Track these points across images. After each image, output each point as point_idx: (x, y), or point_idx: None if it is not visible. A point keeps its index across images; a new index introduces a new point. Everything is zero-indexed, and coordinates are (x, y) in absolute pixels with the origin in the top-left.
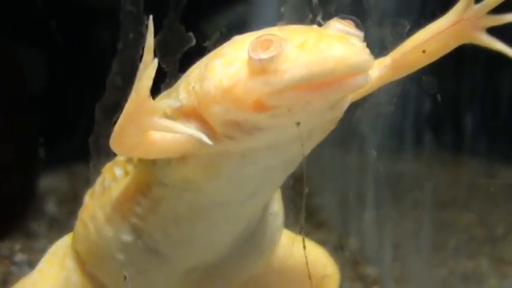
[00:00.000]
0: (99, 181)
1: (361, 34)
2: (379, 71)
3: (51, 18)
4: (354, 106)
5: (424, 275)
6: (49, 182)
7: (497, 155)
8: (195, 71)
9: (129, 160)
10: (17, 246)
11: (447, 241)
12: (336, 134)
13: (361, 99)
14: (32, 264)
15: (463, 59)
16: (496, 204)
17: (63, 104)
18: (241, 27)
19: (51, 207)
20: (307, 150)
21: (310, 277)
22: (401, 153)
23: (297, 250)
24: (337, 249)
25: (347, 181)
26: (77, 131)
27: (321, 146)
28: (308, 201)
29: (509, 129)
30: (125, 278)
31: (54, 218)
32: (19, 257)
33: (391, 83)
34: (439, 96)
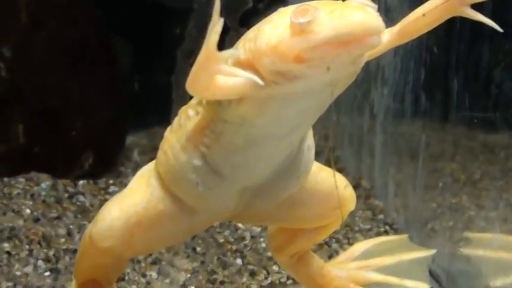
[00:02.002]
0: (176, 120)
1: (375, 6)
2: (390, 36)
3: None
4: (365, 80)
5: (418, 207)
6: (133, 139)
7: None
8: (250, 33)
9: (199, 103)
10: (111, 182)
11: (436, 183)
12: (352, 102)
13: (372, 72)
14: None
15: (451, 36)
16: (475, 156)
17: (144, 81)
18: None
19: (135, 156)
20: (334, 96)
21: (338, 192)
22: (402, 116)
23: (325, 176)
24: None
25: (360, 138)
26: (154, 103)
27: (340, 112)
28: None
29: (487, 96)
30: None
31: (137, 164)
32: (112, 189)
33: (395, 58)
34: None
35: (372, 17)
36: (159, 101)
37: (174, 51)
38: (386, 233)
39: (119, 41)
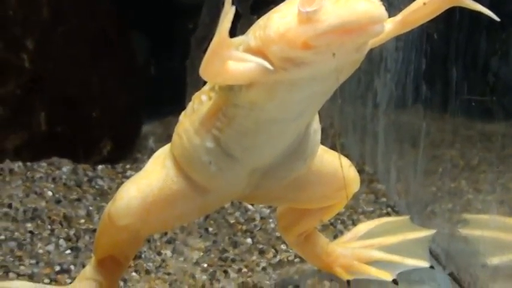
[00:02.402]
0: (190, 105)
1: None
2: (393, 24)
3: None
4: (369, 71)
5: (419, 191)
6: (149, 128)
7: (474, 106)
8: (260, 21)
9: (212, 88)
10: (128, 166)
11: (436, 168)
12: (356, 91)
13: (376, 62)
14: None
15: (450, 26)
16: (473, 144)
17: (159, 73)
18: None
19: (150, 143)
20: (340, 82)
21: (343, 172)
22: (403, 104)
23: (330, 158)
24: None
25: (364, 126)
26: (168, 94)
27: (345, 101)
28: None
29: (484, 84)
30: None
31: (152, 151)
32: (129, 173)
33: (397, 49)
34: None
35: (375, 6)
36: (173, 92)
37: (186, 44)
38: (388, 214)
39: (135, 35)
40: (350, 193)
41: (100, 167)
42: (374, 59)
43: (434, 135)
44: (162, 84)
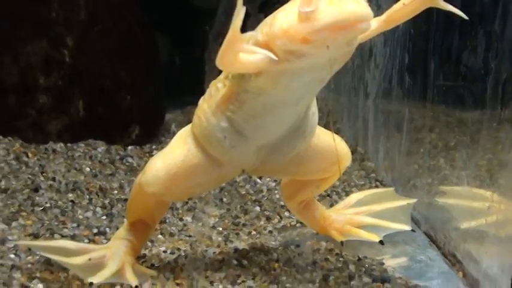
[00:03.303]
0: (208, 91)
1: None
2: (378, 22)
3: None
4: (360, 65)
5: (403, 168)
6: (171, 115)
7: (451, 94)
8: (267, 20)
9: (226, 77)
10: (153, 147)
11: (418, 149)
12: (350, 84)
13: (366, 57)
14: None
15: (429, 25)
16: (451, 129)
17: (179, 68)
18: None
19: (172, 128)
20: (333, 71)
21: (336, 151)
22: (390, 94)
23: (326, 137)
24: (351, 153)
25: (356, 114)
26: (188, 86)
27: (340, 93)
28: (329, 126)
29: (457, 74)
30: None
31: (174, 134)
32: (154, 152)
33: (385, 45)
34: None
35: (363, 7)
36: (192, 85)
37: (202, 43)
38: (376, 187)
39: (159, 35)
40: (343, 166)
41: (130, 147)
42: (365, 55)
43: (416, 121)
44: (182, 78)
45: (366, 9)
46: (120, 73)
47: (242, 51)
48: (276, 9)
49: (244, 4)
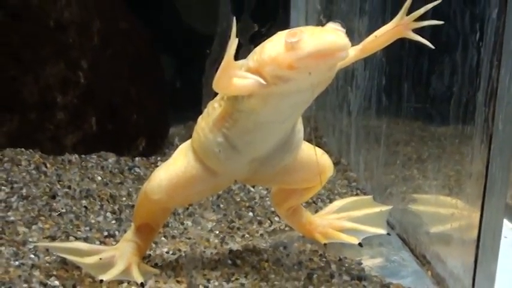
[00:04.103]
0: (205, 110)
1: (343, 29)
2: (355, 51)
3: (176, 37)
4: (344, 86)
5: (381, 178)
6: (175, 130)
7: (423, 111)
8: (257, 49)
9: (222, 98)
10: (158, 158)
11: (395, 161)
12: (335, 102)
13: (349, 80)
14: None
15: (402, 53)
16: (425, 143)
17: (182, 87)
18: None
19: (176, 141)
20: (316, 94)
21: (318, 164)
22: (370, 112)
23: (311, 151)
24: (335, 164)
25: (340, 129)
26: (190, 104)
27: (326, 110)
28: (317, 140)
29: (426, 96)
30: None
31: (177, 147)
32: (159, 163)
33: (365, 70)
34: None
35: (341, 38)
36: (194, 102)
37: (204, 64)
38: (357, 195)
39: (164, 57)
40: (326, 177)
41: (137, 158)
42: (348, 77)
43: (393, 136)
44: (184, 96)
45: (344, 40)
46: (128, 92)
47: (235, 76)
48: (264, 40)
49: (236, 36)
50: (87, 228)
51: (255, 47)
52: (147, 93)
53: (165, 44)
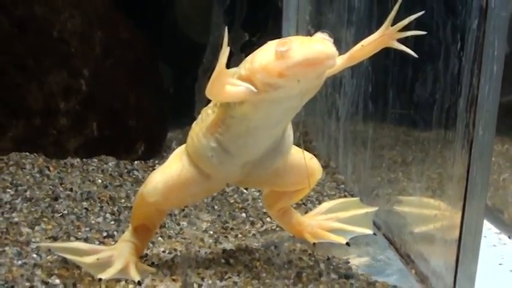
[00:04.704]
0: (199, 116)
1: (331, 39)
2: (342, 60)
3: (173, 46)
4: (333, 93)
5: (368, 180)
6: (172, 134)
7: (407, 117)
8: (248, 58)
9: (215, 105)
10: (156, 162)
11: (380, 164)
12: (323, 108)
13: (337, 87)
14: None
15: (388, 61)
16: (409, 147)
17: (179, 94)
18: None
19: (173, 145)
20: (304, 101)
21: (306, 167)
22: (357, 118)
23: (300, 155)
24: (324, 167)
25: (329, 134)
26: (187, 110)
27: (315, 115)
28: (307, 144)
29: (410, 102)
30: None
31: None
32: (157, 167)
33: (352, 77)
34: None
35: (329, 47)
36: (190, 109)
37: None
38: (345, 197)
39: (162, 65)
40: (314, 180)
41: (136, 162)
42: (336, 85)
43: (379, 140)
44: (181, 102)
45: (332, 49)
46: (128, 98)
47: (228, 83)
48: (255, 49)
49: (228, 45)
50: (88, 229)
51: (246, 56)
52: (146, 100)
53: (163, 53)
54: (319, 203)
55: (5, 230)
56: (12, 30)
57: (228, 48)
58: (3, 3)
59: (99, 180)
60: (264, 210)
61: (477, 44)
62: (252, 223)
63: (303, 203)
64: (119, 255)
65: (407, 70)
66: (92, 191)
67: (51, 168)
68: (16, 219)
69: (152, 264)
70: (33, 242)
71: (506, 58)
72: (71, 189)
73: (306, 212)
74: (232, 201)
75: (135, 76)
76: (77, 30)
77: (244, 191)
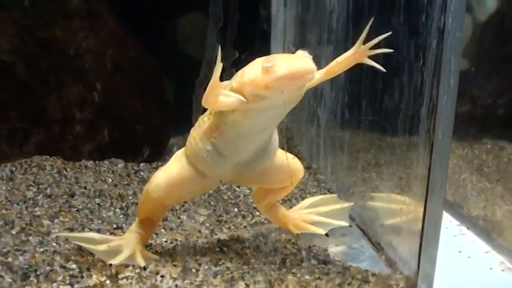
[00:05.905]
0: (197, 123)
1: (311, 56)
2: (320, 74)
3: (175, 63)
4: (314, 104)
5: (345, 180)
6: (174, 140)
7: (379, 125)
8: (239, 72)
9: (210, 113)
10: (160, 164)
11: (356, 165)
12: (306, 116)
13: (318, 98)
14: None
15: (361, 75)
16: (382, 151)
17: (180, 104)
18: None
19: (175, 150)
20: (288, 109)
21: (289, 168)
22: (335, 125)
23: (284, 157)
24: (307, 168)
25: (311, 139)
26: (187, 118)
27: (300, 123)
28: (292, 148)
29: (380, 110)
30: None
31: None
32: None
33: (332, 90)
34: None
35: (308, 63)
36: (189, 117)
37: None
38: (325, 194)
39: (166, 79)
40: (297, 178)
41: (142, 164)
42: (317, 96)
43: (355, 144)
44: (182, 112)
45: (311, 65)
46: (135, 108)
47: (221, 94)
48: (245, 65)
49: (221, 61)
50: (100, 221)
51: (237, 71)
52: (152, 110)
53: (166, 68)
54: (302, 199)
55: (28, 222)
56: (36, 50)
57: (221, 64)
58: (29, 28)
59: (110, 180)
60: (254, 205)
61: (436, 61)
62: (243, 216)
63: (288, 199)
64: (127, 244)
65: (378, 83)
66: (104, 189)
67: (68, 169)
68: (38, 213)
69: (156, 252)
70: (53, 233)
71: (465, 74)
72: (85, 187)
73: (291, 207)
74: (226, 197)
75: (142, 88)
76: (91, 49)
77: (237, 188)
